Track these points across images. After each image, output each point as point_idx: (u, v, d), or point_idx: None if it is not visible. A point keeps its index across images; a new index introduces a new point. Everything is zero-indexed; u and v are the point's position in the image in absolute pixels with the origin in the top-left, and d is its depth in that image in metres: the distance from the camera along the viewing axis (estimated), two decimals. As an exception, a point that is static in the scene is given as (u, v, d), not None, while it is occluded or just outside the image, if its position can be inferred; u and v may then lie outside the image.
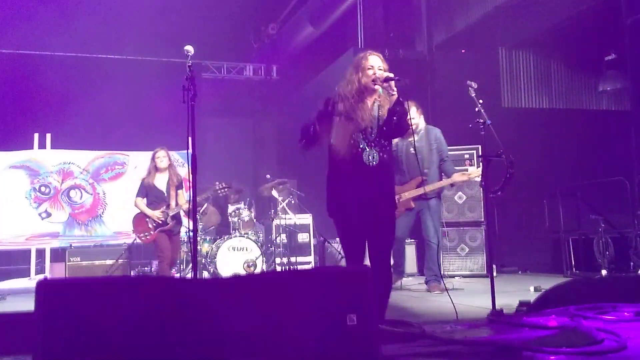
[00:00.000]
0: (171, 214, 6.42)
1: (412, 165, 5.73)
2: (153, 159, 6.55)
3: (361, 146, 3.48)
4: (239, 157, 11.11)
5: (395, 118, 3.48)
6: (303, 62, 11.05)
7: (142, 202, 6.53)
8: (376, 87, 3.54)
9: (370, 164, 3.46)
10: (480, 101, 4.24)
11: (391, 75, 3.51)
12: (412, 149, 5.69)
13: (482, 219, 7.21)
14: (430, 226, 5.92)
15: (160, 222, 6.40)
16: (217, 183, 7.01)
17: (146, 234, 6.48)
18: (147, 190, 6.53)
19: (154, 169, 6.53)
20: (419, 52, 9.27)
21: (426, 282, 5.99)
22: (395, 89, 3.48)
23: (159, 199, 6.46)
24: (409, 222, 5.96)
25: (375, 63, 3.61)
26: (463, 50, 9.18)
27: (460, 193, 7.39)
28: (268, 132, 11.95)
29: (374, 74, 3.56)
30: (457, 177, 5.78)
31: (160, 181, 6.53)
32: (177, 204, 6.44)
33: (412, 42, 9.53)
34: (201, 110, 9.95)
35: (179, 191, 6.59)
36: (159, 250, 6.39)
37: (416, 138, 5.73)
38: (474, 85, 4.20)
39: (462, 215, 7.37)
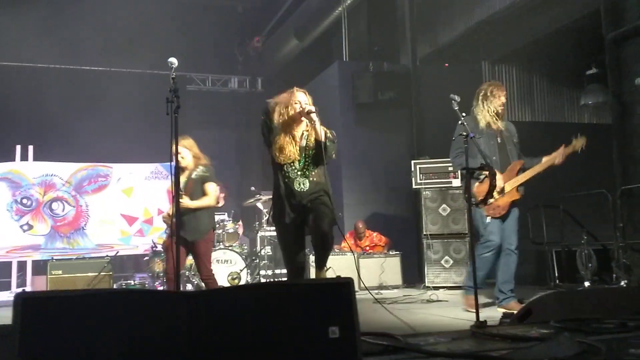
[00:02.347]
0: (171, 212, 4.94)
1: (504, 153, 4.98)
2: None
3: (291, 176, 4.12)
4: (223, 169, 11.01)
5: (322, 148, 4.08)
6: (288, 74, 11.09)
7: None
8: (302, 119, 4.13)
9: (302, 190, 4.10)
10: (463, 114, 4.27)
11: (312, 109, 4.07)
12: (497, 139, 4.97)
13: (466, 231, 7.24)
14: (512, 230, 5.00)
15: (167, 224, 5.30)
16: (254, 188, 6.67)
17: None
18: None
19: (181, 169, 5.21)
20: (403, 66, 9.34)
21: (500, 301, 4.88)
22: (315, 120, 4.03)
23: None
24: (515, 222, 5.00)
25: (302, 99, 4.18)
26: (446, 64, 9.26)
27: (444, 205, 7.43)
28: (253, 144, 11.93)
29: (300, 107, 4.12)
30: (558, 158, 4.84)
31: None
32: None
33: (397, 56, 9.60)
34: (185, 122, 9.87)
35: (206, 185, 5.17)
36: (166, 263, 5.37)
37: (506, 126, 5.10)
38: (457, 98, 4.23)
39: (447, 227, 7.40)
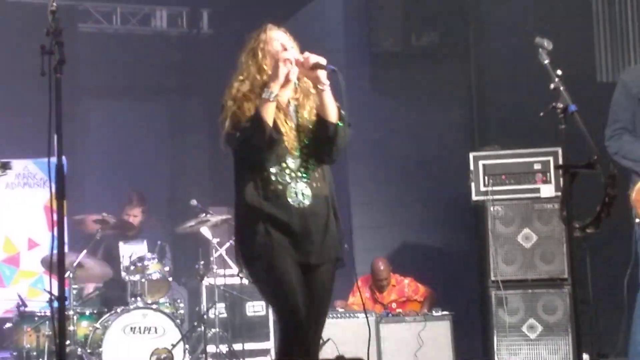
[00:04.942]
0: None
1: None
2: None
3: (281, 180, 3.91)
4: (142, 168, 11.04)
5: (330, 135, 3.93)
6: (255, 4, 11.07)
7: None
8: (293, 74, 3.89)
9: (300, 204, 3.90)
10: (559, 72, 4.27)
11: (322, 60, 3.88)
12: None
13: (565, 275, 7.25)
14: None
15: None
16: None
17: None
18: None
19: None
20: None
21: None
22: (325, 83, 3.89)
23: None
24: None
25: (285, 40, 4.05)
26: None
27: (527, 230, 7.44)
28: (194, 123, 11.87)
29: (290, 55, 3.90)
30: None
31: None
32: None
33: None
34: (75, 87, 9.85)
35: None
36: None
37: None
38: (548, 44, 4.23)
39: (531, 268, 7.43)
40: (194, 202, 8.49)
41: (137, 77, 11.71)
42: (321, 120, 3.97)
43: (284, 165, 3.93)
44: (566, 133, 4.22)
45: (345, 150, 4.08)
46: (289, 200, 3.89)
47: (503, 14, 8.89)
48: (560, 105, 4.15)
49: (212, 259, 8.18)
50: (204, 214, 8.20)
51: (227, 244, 8.18)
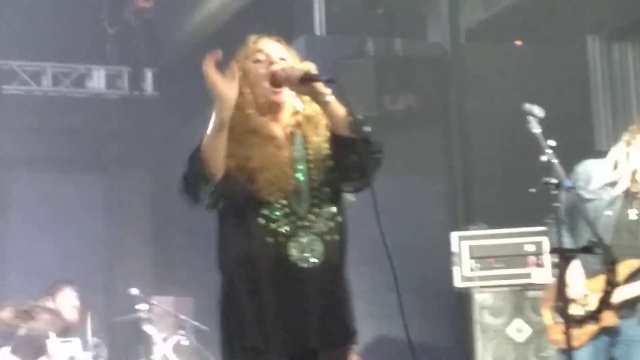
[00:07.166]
0: None
1: (624, 237, 5.25)
2: None
3: (282, 230, 3.46)
4: (77, 248, 10.96)
5: (353, 156, 3.53)
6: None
7: None
8: (280, 97, 3.55)
9: (305, 263, 3.46)
10: (551, 142, 4.29)
11: (311, 68, 3.52)
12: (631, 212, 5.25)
13: (564, 374, 7.23)
14: None
15: None
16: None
17: None
18: None
19: None
20: (434, 45, 9.44)
21: None
22: (327, 92, 3.51)
23: None
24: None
25: (273, 51, 3.62)
26: (519, 42, 9.36)
27: (518, 321, 7.42)
28: (136, 198, 11.85)
29: (271, 67, 3.55)
30: None
31: None
32: None
33: (421, 26, 9.71)
34: (-1, 158, 9.82)
35: None
36: None
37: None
38: (538, 112, 4.25)
39: (524, 366, 7.40)
40: (134, 290, 8.42)
41: (70, 145, 11.69)
42: (334, 137, 3.59)
43: (284, 210, 3.50)
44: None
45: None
46: (290, 257, 3.45)
47: (488, 75, 8.97)
48: (554, 181, 4.16)
49: (154, 357, 8.07)
50: (147, 305, 8.13)
51: (174, 340, 8.11)
